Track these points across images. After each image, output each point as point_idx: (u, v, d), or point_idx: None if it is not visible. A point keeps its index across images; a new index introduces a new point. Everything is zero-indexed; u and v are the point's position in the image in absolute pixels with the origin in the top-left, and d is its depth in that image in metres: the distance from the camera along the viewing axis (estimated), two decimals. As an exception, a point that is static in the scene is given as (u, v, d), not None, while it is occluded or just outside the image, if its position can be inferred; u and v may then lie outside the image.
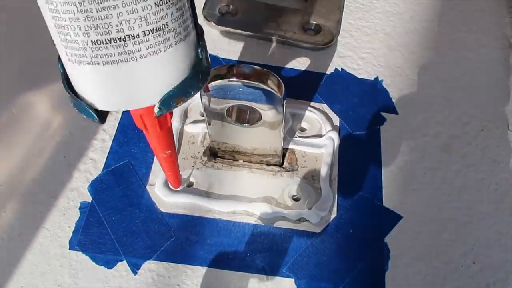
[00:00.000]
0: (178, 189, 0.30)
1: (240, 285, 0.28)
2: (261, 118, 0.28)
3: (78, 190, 0.30)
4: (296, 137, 0.33)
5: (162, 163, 0.25)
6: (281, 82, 0.25)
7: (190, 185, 0.31)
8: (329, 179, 0.32)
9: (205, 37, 0.20)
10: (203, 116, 0.32)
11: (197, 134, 0.33)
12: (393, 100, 0.37)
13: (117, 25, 0.16)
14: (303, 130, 0.34)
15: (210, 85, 0.25)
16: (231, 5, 0.40)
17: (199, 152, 0.32)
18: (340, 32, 0.40)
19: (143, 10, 0.16)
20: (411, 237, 0.30)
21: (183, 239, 0.29)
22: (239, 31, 0.39)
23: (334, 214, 0.30)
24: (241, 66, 0.25)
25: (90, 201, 0.30)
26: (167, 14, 0.17)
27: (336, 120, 0.35)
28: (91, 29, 0.16)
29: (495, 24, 0.43)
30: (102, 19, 0.16)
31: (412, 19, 0.42)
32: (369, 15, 0.42)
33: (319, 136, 0.34)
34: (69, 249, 0.28)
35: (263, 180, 0.31)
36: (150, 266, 0.28)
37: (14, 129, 0.33)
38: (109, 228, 0.29)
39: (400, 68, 0.39)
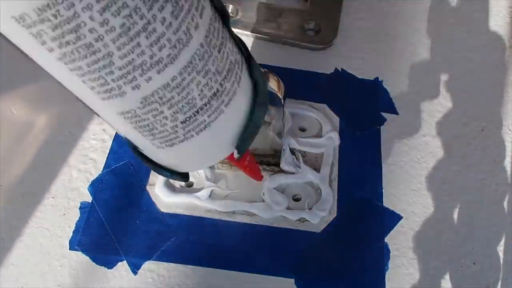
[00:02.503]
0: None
1: (240, 285, 0.28)
2: (261, 118, 0.27)
3: (78, 190, 0.30)
4: (296, 137, 0.33)
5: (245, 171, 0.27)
6: (281, 82, 0.25)
7: (190, 185, 0.31)
8: (329, 179, 0.32)
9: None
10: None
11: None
12: (393, 100, 0.37)
13: (199, 95, 0.16)
14: (303, 130, 0.34)
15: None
16: (231, 5, 0.40)
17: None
18: (340, 32, 0.40)
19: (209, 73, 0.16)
20: (411, 237, 0.30)
21: (183, 239, 0.29)
22: (239, 31, 0.39)
23: (334, 214, 0.30)
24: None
25: (90, 201, 0.30)
26: (222, 77, 0.17)
27: (336, 120, 0.35)
28: (177, 113, 0.16)
29: (495, 24, 0.43)
30: (185, 98, 0.16)
31: (412, 19, 0.42)
32: (369, 15, 0.42)
33: (319, 136, 0.34)
34: (69, 249, 0.28)
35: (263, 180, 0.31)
36: (150, 266, 0.28)
37: (14, 129, 0.33)
38: (109, 228, 0.29)
39: (400, 68, 0.39)
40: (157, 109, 0.16)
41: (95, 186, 0.31)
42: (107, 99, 0.15)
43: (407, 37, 0.41)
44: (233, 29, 0.39)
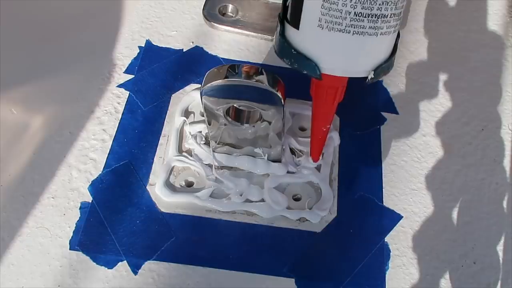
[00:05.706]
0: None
1: (240, 285, 0.28)
2: (261, 118, 0.28)
3: (78, 190, 0.30)
4: (296, 137, 0.33)
5: (318, 135, 0.29)
6: (281, 82, 0.25)
7: (190, 185, 0.31)
8: (329, 179, 0.32)
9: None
10: (203, 116, 0.32)
11: (197, 134, 0.33)
12: (393, 100, 0.37)
13: (379, 4, 0.20)
14: (303, 130, 0.34)
15: (210, 85, 0.25)
16: (231, 5, 0.40)
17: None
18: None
19: None
20: (411, 237, 0.30)
21: (183, 239, 0.29)
22: (239, 31, 0.39)
23: (334, 214, 0.30)
24: (241, 66, 0.25)
25: (90, 201, 0.30)
26: (403, 5, 0.21)
27: (336, 120, 0.35)
28: (360, 2, 0.20)
29: (495, 24, 0.43)
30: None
31: (412, 19, 0.42)
32: (369, 15, 0.42)
33: (319, 136, 0.33)
34: (70, 249, 0.28)
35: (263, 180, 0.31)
36: (150, 266, 0.28)
37: (14, 129, 0.33)
38: (109, 228, 0.29)
39: (400, 68, 0.39)
40: None
41: (95, 186, 0.31)
42: None
43: (407, 37, 0.41)
44: (233, 29, 0.39)
